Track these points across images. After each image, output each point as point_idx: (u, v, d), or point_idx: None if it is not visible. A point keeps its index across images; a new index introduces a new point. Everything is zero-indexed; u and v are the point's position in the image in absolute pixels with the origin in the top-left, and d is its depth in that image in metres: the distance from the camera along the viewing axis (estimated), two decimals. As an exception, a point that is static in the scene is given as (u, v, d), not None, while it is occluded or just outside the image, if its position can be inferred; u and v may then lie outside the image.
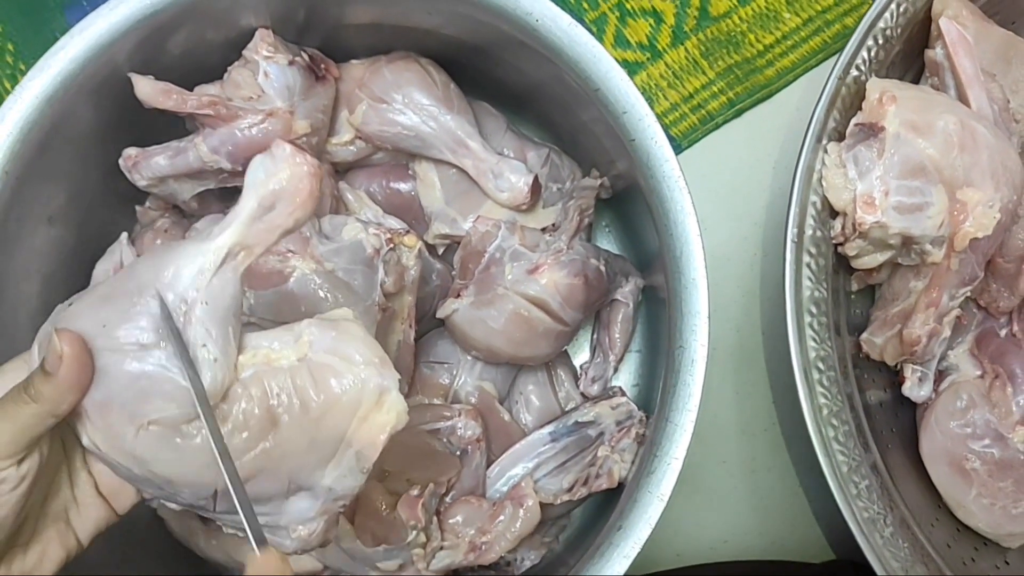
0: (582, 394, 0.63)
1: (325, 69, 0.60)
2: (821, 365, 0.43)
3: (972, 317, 0.51)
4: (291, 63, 0.57)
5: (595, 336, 0.64)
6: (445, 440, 0.57)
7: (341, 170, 0.64)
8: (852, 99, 0.45)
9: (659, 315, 0.64)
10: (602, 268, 0.59)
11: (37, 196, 0.55)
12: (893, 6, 0.45)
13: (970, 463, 0.49)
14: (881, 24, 0.45)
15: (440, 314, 0.58)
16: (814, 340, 0.43)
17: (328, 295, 0.52)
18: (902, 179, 0.42)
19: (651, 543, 0.63)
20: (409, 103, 0.60)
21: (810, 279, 0.44)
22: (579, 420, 0.58)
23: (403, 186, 0.63)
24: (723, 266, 0.65)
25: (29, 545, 0.40)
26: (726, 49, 0.69)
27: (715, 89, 0.68)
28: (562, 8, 0.70)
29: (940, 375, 0.51)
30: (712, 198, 0.68)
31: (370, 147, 0.63)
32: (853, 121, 0.44)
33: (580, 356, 0.66)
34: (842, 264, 0.47)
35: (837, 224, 0.44)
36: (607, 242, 0.67)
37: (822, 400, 0.43)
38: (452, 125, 0.60)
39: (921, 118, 0.42)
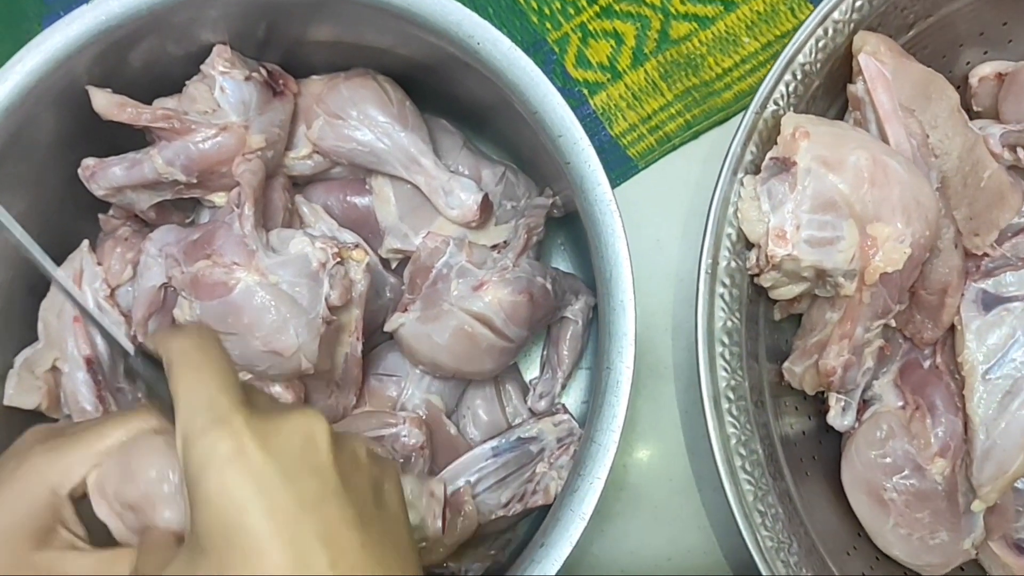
0: (530, 410, 0.63)
1: (283, 84, 0.61)
2: (731, 395, 0.44)
3: (898, 347, 0.51)
4: (248, 78, 0.58)
5: (545, 352, 0.65)
6: (389, 447, 0.58)
7: (300, 183, 0.65)
8: (770, 133, 0.45)
9: (609, 333, 0.65)
10: (548, 286, 0.59)
11: (-4, 203, 0.56)
12: (812, 41, 0.46)
13: (888, 493, 0.49)
14: (800, 59, 0.46)
15: (387, 328, 0.59)
16: (725, 370, 0.44)
17: (271, 307, 0.53)
18: (813, 213, 0.43)
19: (594, 559, 0.64)
20: (364, 119, 0.61)
21: (723, 309, 0.44)
22: (522, 436, 0.59)
23: (360, 200, 0.65)
24: (675, 285, 0.66)
25: None
26: (685, 72, 0.69)
27: (673, 111, 0.69)
28: (526, 28, 0.72)
29: (864, 404, 0.51)
30: (669, 218, 0.69)
31: (327, 161, 0.64)
32: (768, 155, 0.45)
33: (532, 372, 0.67)
34: (763, 293, 0.48)
35: (752, 256, 0.45)
36: (562, 260, 0.68)
37: (731, 429, 0.43)
38: (406, 142, 0.61)
39: (833, 153, 0.43)
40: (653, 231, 0.67)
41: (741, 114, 0.45)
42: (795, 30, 0.67)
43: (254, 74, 0.59)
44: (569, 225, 0.66)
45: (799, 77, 0.46)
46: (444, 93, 0.64)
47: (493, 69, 0.53)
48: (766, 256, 0.43)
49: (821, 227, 0.43)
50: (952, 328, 0.49)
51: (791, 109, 0.46)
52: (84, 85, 0.56)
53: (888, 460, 0.49)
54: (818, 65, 0.46)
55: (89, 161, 0.59)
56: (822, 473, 0.51)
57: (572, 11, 0.71)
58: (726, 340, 0.44)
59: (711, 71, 0.69)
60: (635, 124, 0.69)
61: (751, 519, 0.42)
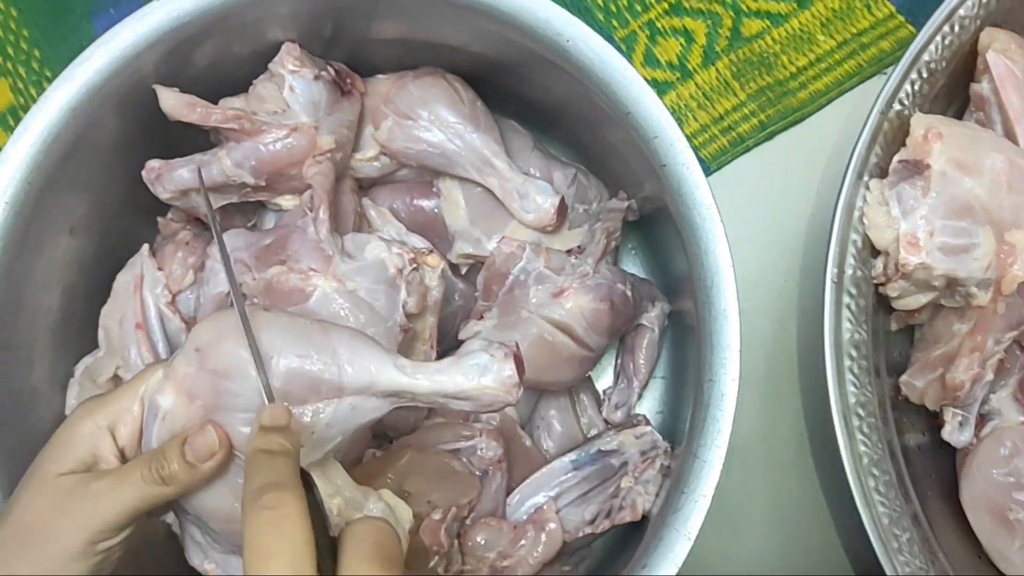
0: (605, 421, 0.61)
1: (351, 84, 0.59)
2: (861, 411, 0.42)
3: (1016, 360, 0.49)
4: (317, 77, 0.56)
5: (619, 361, 0.63)
6: (465, 460, 0.56)
7: (365, 186, 0.63)
8: (895, 134, 0.43)
9: (685, 341, 0.63)
10: (628, 293, 0.57)
11: (59, 206, 0.55)
12: (938, 39, 0.44)
13: (1014, 513, 0.47)
14: (926, 57, 0.44)
15: (462, 336, 0.57)
16: (854, 385, 0.41)
17: (349, 315, 0.51)
18: (948, 219, 0.41)
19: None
20: (435, 120, 0.59)
21: (850, 320, 0.42)
22: (602, 448, 0.57)
23: (427, 204, 0.62)
24: (751, 292, 0.64)
25: None
26: (758, 71, 0.67)
27: (746, 111, 0.67)
28: (591, 26, 0.70)
29: (981, 419, 0.49)
30: (741, 222, 0.67)
31: (395, 163, 0.62)
32: (896, 157, 0.42)
33: (603, 381, 0.65)
34: (882, 303, 0.45)
35: (879, 264, 0.43)
36: (633, 265, 0.66)
37: (862, 448, 0.41)
38: (478, 143, 0.59)
39: (968, 156, 0.41)
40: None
41: (866, 115, 0.43)
42: (872, 28, 0.66)
43: (323, 73, 0.57)
44: (642, 229, 0.64)
45: (924, 76, 0.44)
46: (513, 93, 0.62)
47: (583, 67, 0.50)
48: (895, 264, 0.41)
49: (956, 234, 0.41)
50: (1077, 340, 0.47)
51: (916, 109, 0.44)
52: (150, 84, 0.54)
53: (1012, 479, 0.47)
54: (943, 63, 0.44)
55: (154, 163, 0.57)
56: (939, 492, 0.49)
57: (640, 8, 0.69)
58: (854, 353, 0.42)
59: (785, 70, 0.67)
60: (707, 125, 0.67)
61: (888, 545, 0.40)
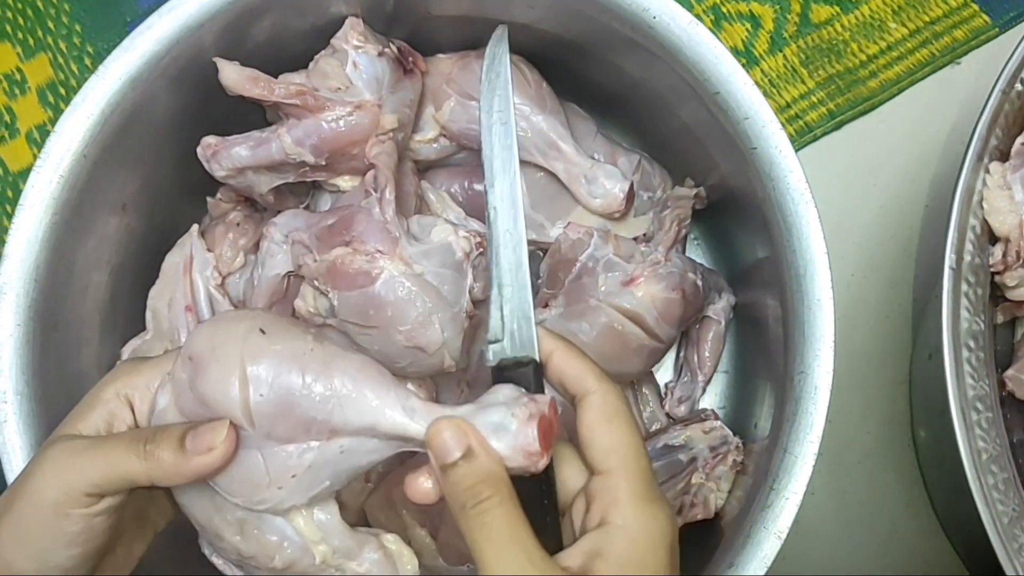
0: (667, 415, 0.59)
1: (413, 62, 0.57)
2: (980, 405, 0.39)
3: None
4: (380, 54, 0.54)
5: (682, 354, 0.61)
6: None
7: (422, 168, 0.61)
8: (1016, 116, 0.41)
9: (748, 334, 0.61)
10: (699, 283, 0.55)
11: (112, 182, 0.53)
12: (1062, 14, 0.42)
13: None
14: (1048, 32, 0.42)
15: (526, 324, 0.55)
16: (972, 377, 0.39)
17: (416, 299, 0.49)
18: (1076, 205, 0.39)
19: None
20: (500, 101, 0.57)
21: (968, 310, 0.40)
22: (669, 443, 0.55)
23: (483, 187, 0.60)
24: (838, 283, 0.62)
25: (115, 546, 0.38)
26: (827, 58, 0.65)
27: (814, 99, 0.65)
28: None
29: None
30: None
31: (454, 146, 0.60)
32: (1019, 140, 0.40)
33: (662, 374, 0.63)
34: (992, 294, 0.43)
35: (997, 251, 0.41)
36: (697, 255, 0.64)
37: (980, 444, 0.39)
38: (544, 126, 0.57)
39: (1098, 138, 0.39)
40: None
41: (986, 96, 0.41)
42: (945, 16, 0.64)
43: (386, 50, 0.55)
44: (707, 218, 0.62)
45: (1050, 51, 0.42)
46: (579, 75, 0.60)
47: (668, 45, 0.48)
48: (1018, 251, 0.39)
49: (1088, 220, 0.39)
50: None
51: (1032, 91, 0.42)
52: (210, 57, 0.52)
53: None
54: (1069, 38, 0.42)
55: (210, 139, 0.54)
56: None
57: (705, -9, 0.67)
58: (972, 344, 0.40)
59: (855, 58, 0.65)
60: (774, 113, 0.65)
61: (1008, 545, 0.38)
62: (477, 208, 0.60)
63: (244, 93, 0.52)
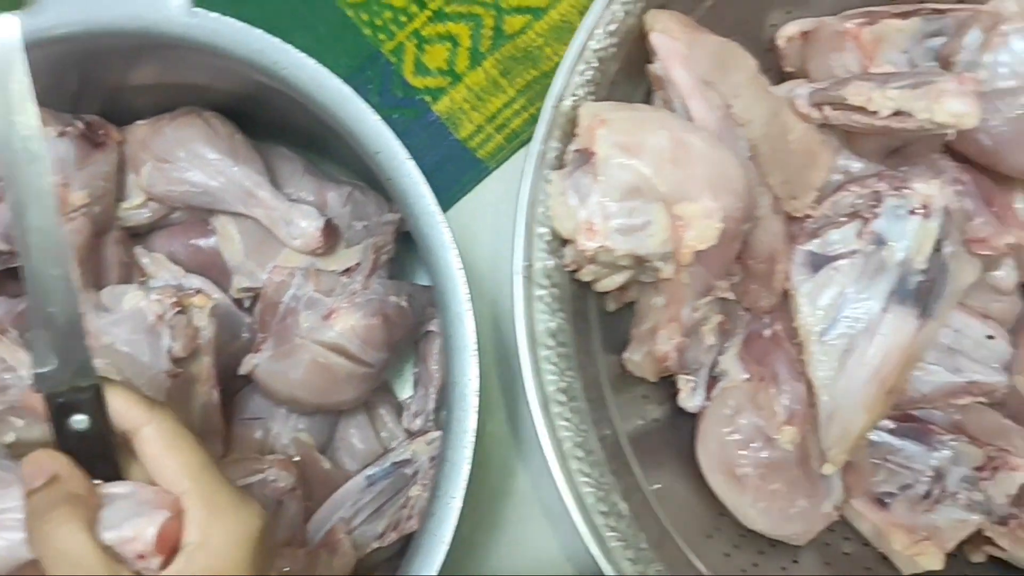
0: (406, 431, 0.62)
1: (104, 134, 0.59)
2: (562, 396, 0.43)
3: (739, 320, 0.51)
4: (62, 134, 0.56)
5: (416, 370, 0.64)
6: (259, 494, 0.56)
7: (143, 232, 0.63)
8: (572, 125, 0.44)
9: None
10: (404, 304, 0.58)
11: None
12: (602, 27, 0.45)
13: (742, 468, 0.48)
14: (592, 45, 0.45)
15: (241, 370, 0.57)
16: (552, 372, 0.43)
17: (108, 370, 0.51)
18: (620, 201, 0.42)
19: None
20: (194, 159, 0.59)
21: (543, 311, 0.43)
22: (395, 460, 0.57)
23: (205, 242, 0.62)
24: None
25: None
26: (524, 65, 0.68)
27: (517, 106, 0.68)
28: (360, 44, 0.70)
29: (714, 381, 0.51)
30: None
31: (165, 207, 0.62)
32: (571, 148, 0.44)
33: (408, 391, 0.65)
34: (590, 287, 0.46)
35: (568, 252, 0.44)
36: (424, 273, 0.66)
37: (564, 432, 0.42)
38: (239, 176, 0.59)
39: (632, 138, 0.42)
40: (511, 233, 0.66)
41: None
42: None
43: (68, 128, 0.56)
44: (424, 237, 0.65)
45: (594, 64, 0.45)
46: (278, 120, 0.62)
47: (303, 93, 0.51)
48: (581, 251, 0.42)
49: (630, 214, 0.42)
50: (786, 294, 0.48)
51: (591, 98, 0.45)
52: None
53: (738, 436, 0.49)
54: (612, 50, 0.45)
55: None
56: (680, 458, 0.51)
57: (404, 19, 0.69)
58: (551, 342, 0.43)
59: (550, 61, 0.68)
60: (481, 125, 0.68)
61: (593, 520, 0.41)
62: (199, 263, 0.62)
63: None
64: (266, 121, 0.62)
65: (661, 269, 0.44)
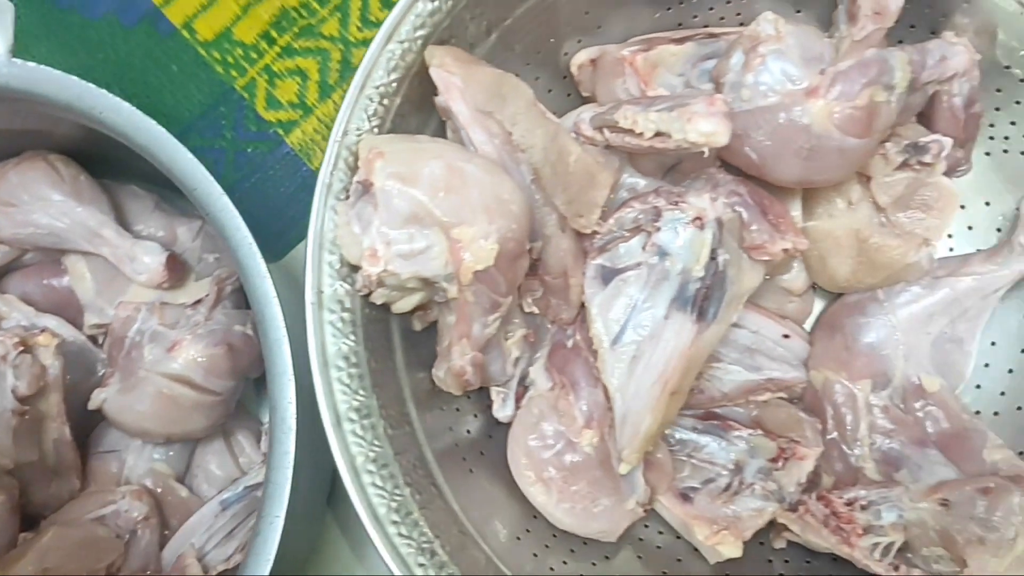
0: (264, 454, 0.64)
1: (-52, 182, 0.60)
2: (354, 415, 0.45)
3: (546, 332, 0.54)
4: (-99, 185, 0.57)
5: (273, 394, 0.66)
6: (112, 525, 0.57)
7: (-3, 276, 0.64)
8: (356, 158, 0.47)
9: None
10: (249, 332, 0.60)
11: None
12: (383, 63, 0.47)
13: (547, 472, 0.51)
14: (375, 81, 0.47)
15: (90, 406, 0.59)
16: (344, 393, 0.45)
17: (-51, 411, 0.53)
18: (399, 228, 0.45)
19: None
20: (38, 202, 0.61)
21: (334, 335, 0.45)
22: (248, 484, 0.59)
23: (58, 282, 0.64)
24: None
25: None
26: (370, 96, 0.71)
27: (366, 136, 0.71)
28: (213, 80, 0.72)
29: (524, 391, 0.54)
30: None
31: (15, 250, 0.63)
32: (354, 179, 0.46)
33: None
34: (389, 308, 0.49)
35: (358, 278, 0.46)
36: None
37: (356, 448, 0.45)
38: (84, 216, 0.61)
39: (408, 169, 0.45)
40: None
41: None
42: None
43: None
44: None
45: (377, 100, 0.47)
46: (125, 159, 0.64)
47: (123, 135, 0.53)
48: (368, 276, 0.45)
49: (410, 239, 0.45)
50: (583, 306, 0.51)
51: (375, 131, 0.48)
52: None
53: (543, 441, 0.51)
54: (394, 85, 0.48)
55: None
56: (494, 466, 0.53)
57: (255, 55, 0.72)
58: (342, 363, 0.45)
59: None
60: (333, 155, 0.71)
61: (385, 530, 0.44)
62: (55, 302, 0.64)
63: None
64: (115, 160, 0.64)
65: (448, 289, 0.46)
